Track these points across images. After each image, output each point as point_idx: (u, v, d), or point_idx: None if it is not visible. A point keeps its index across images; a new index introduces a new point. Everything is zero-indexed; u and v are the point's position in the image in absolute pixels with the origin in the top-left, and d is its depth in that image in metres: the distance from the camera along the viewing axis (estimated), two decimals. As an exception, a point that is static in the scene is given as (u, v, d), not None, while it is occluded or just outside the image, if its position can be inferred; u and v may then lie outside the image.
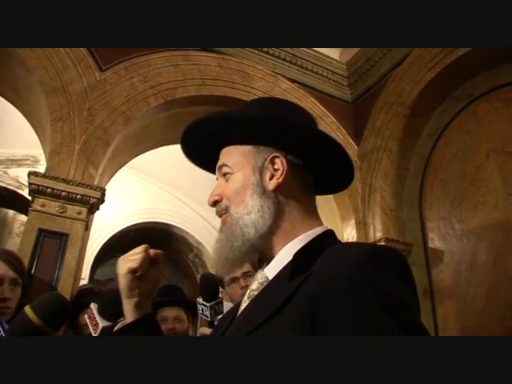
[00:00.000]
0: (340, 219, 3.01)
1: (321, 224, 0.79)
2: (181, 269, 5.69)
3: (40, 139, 2.71)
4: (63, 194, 2.19)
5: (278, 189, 0.76)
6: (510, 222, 2.35)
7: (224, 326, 0.79)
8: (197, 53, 2.87)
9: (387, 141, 2.98)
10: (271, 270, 0.74)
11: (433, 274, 2.70)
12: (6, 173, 4.41)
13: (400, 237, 2.80)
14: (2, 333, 1.15)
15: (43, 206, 2.17)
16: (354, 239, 2.88)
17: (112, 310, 1.34)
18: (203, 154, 0.87)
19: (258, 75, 3.06)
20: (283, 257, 0.73)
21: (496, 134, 2.54)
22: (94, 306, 1.42)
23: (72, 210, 2.22)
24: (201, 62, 2.87)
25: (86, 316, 1.46)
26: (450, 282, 2.60)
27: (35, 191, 2.16)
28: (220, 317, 1.44)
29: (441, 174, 2.83)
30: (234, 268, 0.81)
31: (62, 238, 2.16)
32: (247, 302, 0.75)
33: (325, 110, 3.23)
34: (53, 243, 2.13)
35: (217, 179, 0.83)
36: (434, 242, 2.76)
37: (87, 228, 2.37)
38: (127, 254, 0.80)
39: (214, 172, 0.84)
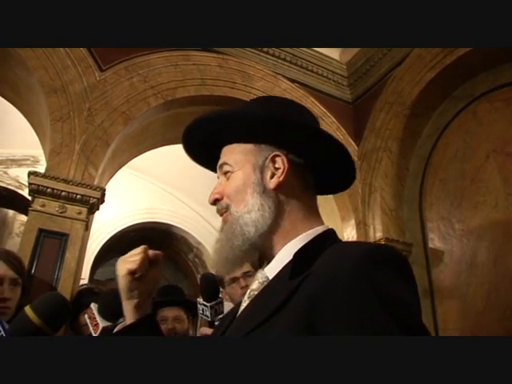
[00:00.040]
0: (340, 219, 3.01)
1: (322, 223, 0.79)
2: (181, 269, 5.68)
3: (40, 139, 2.71)
4: (63, 194, 2.19)
5: (279, 188, 0.76)
6: (510, 222, 2.35)
7: (224, 326, 0.79)
8: (197, 53, 2.86)
9: (387, 141, 2.98)
10: (271, 270, 0.74)
11: (433, 274, 2.70)
12: (6, 173, 4.41)
13: (400, 237, 2.79)
14: (2, 333, 1.15)
15: (43, 206, 2.16)
16: (354, 239, 2.87)
17: (112, 310, 1.34)
18: (204, 153, 0.86)
19: (258, 75, 3.06)
20: (283, 256, 0.73)
21: (496, 134, 2.54)
22: (94, 306, 1.42)
23: (72, 210, 2.21)
24: (201, 61, 2.87)
25: (86, 316, 1.47)
26: (450, 282, 2.60)
27: (35, 191, 2.16)
28: (220, 317, 1.44)
29: (441, 174, 2.83)
30: (235, 267, 0.81)
31: (62, 238, 2.15)
32: (247, 302, 0.75)
33: (325, 110, 3.23)
34: (53, 243, 2.13)
35: (218, 177, 0.83)
36: (434, 242, 2.76)
37: (87, 228, 2.37)
38: (126, 256, 0.80)
39: (215, 170, 0.84)
